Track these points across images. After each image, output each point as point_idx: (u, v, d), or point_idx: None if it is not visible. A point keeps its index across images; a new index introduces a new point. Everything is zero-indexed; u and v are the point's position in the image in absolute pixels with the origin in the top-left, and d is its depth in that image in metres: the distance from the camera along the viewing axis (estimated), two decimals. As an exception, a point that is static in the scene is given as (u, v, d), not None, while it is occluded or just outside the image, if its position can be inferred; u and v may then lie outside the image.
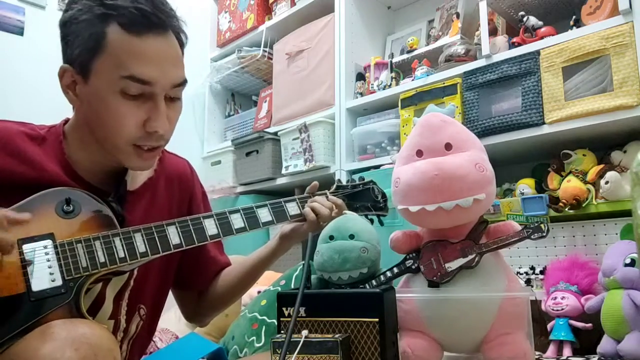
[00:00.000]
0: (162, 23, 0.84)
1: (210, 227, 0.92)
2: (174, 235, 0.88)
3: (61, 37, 0.87)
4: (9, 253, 0.74)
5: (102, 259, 0.81)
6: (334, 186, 1.12)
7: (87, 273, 0.79)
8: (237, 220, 0.95)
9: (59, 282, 0.77)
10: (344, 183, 1.15)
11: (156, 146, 0.89)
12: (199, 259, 1.10)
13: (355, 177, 1.26)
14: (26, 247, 0.77)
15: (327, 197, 1.09)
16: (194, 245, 0.90)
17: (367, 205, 1.11)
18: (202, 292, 1.14)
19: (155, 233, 0.86)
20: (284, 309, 0.91)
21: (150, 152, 0.88)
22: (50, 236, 0.80)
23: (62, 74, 0.87)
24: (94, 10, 0.82)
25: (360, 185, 1.13)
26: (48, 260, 0.78)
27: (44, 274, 0.76)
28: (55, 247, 0.79)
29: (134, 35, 0.81)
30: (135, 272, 0.93)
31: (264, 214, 1.00)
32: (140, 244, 0.84)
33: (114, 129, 0.84)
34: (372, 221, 1.10)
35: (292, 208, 1.04)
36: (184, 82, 0.89)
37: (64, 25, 0.85)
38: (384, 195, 1.12)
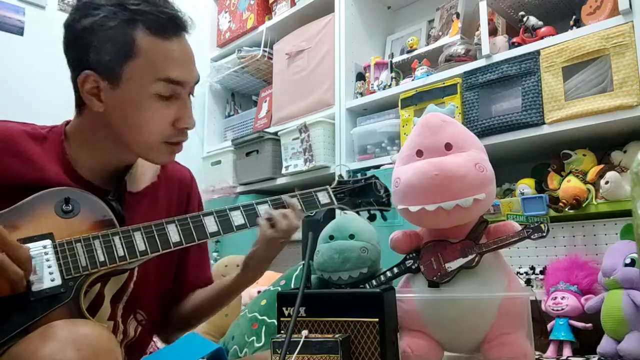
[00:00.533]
0: (183, 25, 0.88)
1: (210, 224, 0.91)
2: (173, 233, 0.87)
3: (79, 43, 0.85)
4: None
5: (101, 258, 0.81)
6: (335, 182, 1.10)
7: (87, 272, 0.79)
8: (237, 217, 0.94)
9: (58, 281, 0.77)
10: (346, 179, 1.11)
11: (184, 140, 0.92)
12: (181, 271, 1.06)
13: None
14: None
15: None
16: (194, 243, 0.89)
17: (369, 200, 1.09)
18: (172, 308, 1.08)
19: (155, 231, 0.86)
20: (284, 308, 0.91)
21: (178, 146, 0.92)
22: (50, 236, 0.80)
23: (84, 80, 0.85)
24: (119, 15, 0.83)
25: (363, 181, 1.10)
26: (47, 260, 0.77)
27: (44, 273, 0.76)
28: (55, 246, 0.79)
29: (162, 38, 0.84)
30: (135, 275, 0.93)
31: (264, 210, 0.97)
32: (140, 243, 0.84)
33: (147, 130, 0.87)
34: (375, 216, 1.08)
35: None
36: (199, 80, 0.93)
37: (85, 30, 0.83)
38: (386, 190, 1.09)
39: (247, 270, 0.99)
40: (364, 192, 1.08)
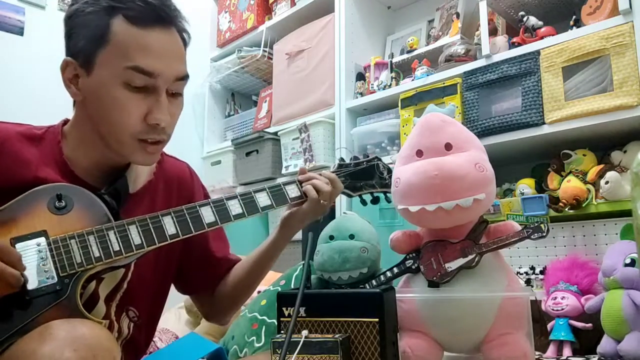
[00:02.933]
0: (168, 18, 0.86)
1: (207, 215, 0.89)
2: (169, 225, 0.85)
3: (65, 31, 0.87)
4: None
5: (96, 254, 0.80)
6: (336, 164, 1.07)
7: (82, 268, 0.79)
8: (234, 207, 0.91)
9: (54, 279, 0.76)
10: (346, 162, 1.10)
11: (159, 140, 0.88)
12: (206, 262, 1.08)
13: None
14: (19, 246, 0.77)
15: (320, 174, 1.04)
16: (191, 235, 0.87)
17: (372, 183, 1.07)
18: (215, 292, 1.12)
19: (150, 224, 0.84)
20: (284, 309, 0.91)
21: (154, 146, 0.88)
22: (44, 233, 0.79)
23: (64, 67, 0.86)
24: (100, 2, 0.83)
25: (364, 163, 1.07)
26: (42, 258, 0.77)
27: (39, 271, 0.76)
28: (49, 244, 0.79)
29: (139, 27, 0.82)
30: (129, 275, 0.92)
31: (263, 198, 0.95)
32: (135, 236, 0.83)
33: (117, 121, 0.84)
34: (378, 199, 1.06)
35: (292, 190, 0.99)
36: (186, 77, 0.89)
37: (69, 18, 0.86)
38: (389, 171, 1.06)
39: (287, 227, 1.02)
40: (366, 175, 1.06)
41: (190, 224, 0.87)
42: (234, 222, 0.91)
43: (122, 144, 0.86)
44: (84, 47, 0.84)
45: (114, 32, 0.82)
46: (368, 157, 1.09)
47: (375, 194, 1.07)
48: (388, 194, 1.08)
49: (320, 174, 1.03)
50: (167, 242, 0.85)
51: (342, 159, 1.09)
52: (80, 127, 0.91)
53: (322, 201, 0.98)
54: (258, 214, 0.94)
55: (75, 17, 0.85)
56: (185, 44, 0.91)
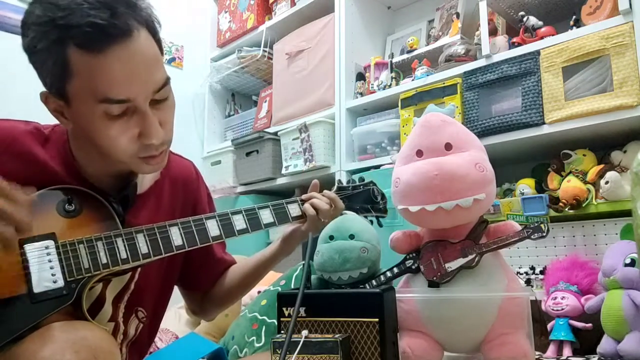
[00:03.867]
0: (123, 30, 0.75)
1: (213, 228, 0.91)
2: (176, 236, 0.87)
3: (31, 63, 0.81)
4: (7, 245, 0.73)
5: (104, 260, 0.80)
6: (335, 187, 1.12)
7: (89, 274, 0.79)
8: (239, 222, 0.94)
9: (60, 283, 0.76)
10: (345, 184, 1.16)
11: (160, 152, 0.86)
12: (206, 261, 1.11)
13: (355, 177, 1.26)
14: (27, 248, 0.77)
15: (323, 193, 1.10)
16: (196, 247, 0.89)
17: (366, 207, 1.11)
18: (207, 290, 1.15)
19: (157, 234, 0.85)
20: (284, 309, 0.91)
21: (155, 158, 0.85)
22: (52, 236, 0.79)
23: (45, 101, 0.82)
24: (48, 35, 0.74)
25: (361, 187, 1.13)
26: (50, 261, 0.77)
27: (46, 274, 0.76)
28: (57, 247, 0.78)
29: (95, 53, 0.74)
30: (137, 275, 0.92)
31: (266, 215, 1.00)
32: (142, 245, 0.84)
33: (110, 149, 0.81)
34: (371, 222, 1.10)
35: (294, 209, 1.04)
36: (166, 82, 0.82)
37: (26, 52, 0.80)
38: (383, 196, 1.13)
39: (287, 243, 1.09)
40: (362, 198, 1.10)
41: (196, 236, 0.89)
42: (237, 236, 0.94)
43: (124, 163, 0.85)
44: (52, 82, 0.79)
45: (73, 64, 0.75)
46: (364, 180, 1.14)
47: (369, 218, 1.12)
48: (380, 219, 1.15)
49: (323, 193, 1.08)
50: (173, 253, 0.87)
51: (340, 182, 1.16)
52: (81, 143, 0.89)
53: (322, 219, 1.03)
54: (261, 230, 0.99)
55: (31, 54, 0.79)
56: (155, 32, 0.82)
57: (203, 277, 1.12)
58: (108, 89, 0.75)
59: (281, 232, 1.11)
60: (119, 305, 0.90)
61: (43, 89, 0.83)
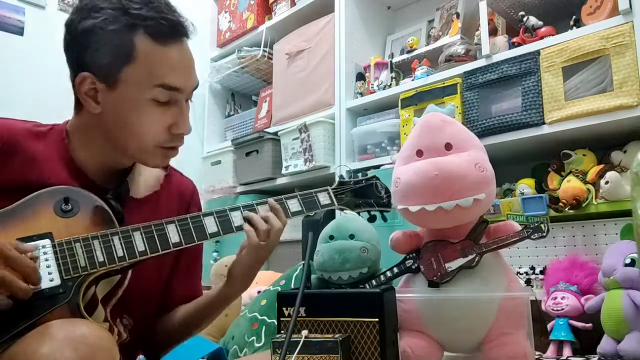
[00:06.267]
0: (184, 32, 0.88)
1: (210, 224, 0.90)
2: (173, 233, 0.87)
3: (77, 45, 0.85)
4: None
5: (100, 258, 0.80)
6: (336, 182, 1.10)
7: (86, 272, 0.79)
8: (237, 218, 0.92)
9: (57, 281, 0.76)
10: (347, 179, 1.10)
11: (179, 145, 0.92)
12: (188, 275, 1.05)
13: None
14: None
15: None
16: (194, 244, 0.89)
17: (370, 201, 1.09)
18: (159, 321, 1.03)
19: (154, 231, 0.85)
20: (284, 308, 0.91)
21: (173, 151, 0.92)
22: (49, 235, 0.79)
23: (81, 82, 0.85)
24: (121, 20, 0.83)
25: (363, 181, 1.09)
26: (46, 260, 0.77)
27: (43, 273, 0.76)
28: (54, 246, 0.79)
29: (161, 44, 0.84)
30: (126, 282, 0.92)
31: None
32: (139, 243, 0.84)
33: (142, 134, 0.87)
34: (375, 217, 1.08)
35: (293, 205, 0.98)
36: (197, 85, 0.93)
37: (85, 33, 0.84)
38: (387, 190, 1.08)
39: (232, 279, 0.94)
40: (365, 193, 1.08)
41: (194, 233, 0.88)
42: (235, 233, 0.92)
43: (144, 152, 0.89)
44: (108, 63, 0.84)
45: (138, 50, 0.83)
46: (367, 175, 1.11)
47: (372, 213, 1.08)
48: (384, 213, 1.08)
49: (267, 202, 0.95)
50: (170, 250, 0.86)
51: (341, 177, 1.10)
52: (84, 131, 0.91)
53: (261, 242, 0.89)
54: None
55: (94, 33, 0.83)
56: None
57: (178, 293, 1.04)
58: (168, 76, 0.85)
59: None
60: (106, 307, 0.90)
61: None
